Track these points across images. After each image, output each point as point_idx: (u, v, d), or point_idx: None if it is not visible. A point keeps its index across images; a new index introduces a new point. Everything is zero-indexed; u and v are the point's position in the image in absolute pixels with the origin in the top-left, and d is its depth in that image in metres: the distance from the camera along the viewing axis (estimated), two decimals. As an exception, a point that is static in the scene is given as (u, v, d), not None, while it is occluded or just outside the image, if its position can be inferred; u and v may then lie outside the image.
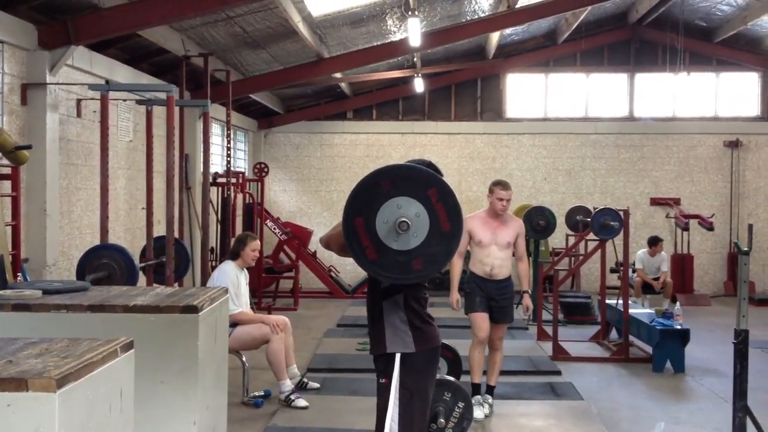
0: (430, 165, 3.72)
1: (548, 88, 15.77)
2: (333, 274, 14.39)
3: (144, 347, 3.32)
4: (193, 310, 3.96)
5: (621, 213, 9.12)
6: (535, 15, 11.74)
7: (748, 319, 4.97)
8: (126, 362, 2.70)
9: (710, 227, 13.96)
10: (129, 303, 4.00)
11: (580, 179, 15.56)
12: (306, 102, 15.87)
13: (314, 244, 13.42)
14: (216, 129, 12.82)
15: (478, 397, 6.45)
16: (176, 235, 7.95)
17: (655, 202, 15.43)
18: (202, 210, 9.65)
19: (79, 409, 2.30)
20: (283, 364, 6.80)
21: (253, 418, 6.46)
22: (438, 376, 5.80)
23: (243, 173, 12.86)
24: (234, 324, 6.66)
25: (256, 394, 6.96)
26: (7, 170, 6.27)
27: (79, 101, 7.93)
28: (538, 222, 11.66)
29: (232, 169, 11.26)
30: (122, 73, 8.91)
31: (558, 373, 8.09)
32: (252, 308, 7.62)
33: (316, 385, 7.29)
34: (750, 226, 6.65)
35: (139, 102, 8.30)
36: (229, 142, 11.25)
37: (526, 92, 15.83)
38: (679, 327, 8.34)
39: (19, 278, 6.05)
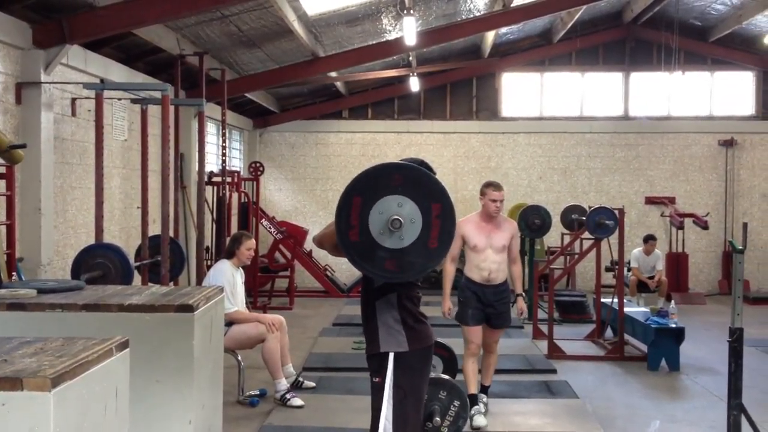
0: (423, 164, 3.73)
1: (543, 87, 15.79)
2: (328, 274, 14.39)
3: (139, 346, 3.32)
4: (188, 309, 3.96)
5: (616, 212, 9.13)
6: (530, 14, 11.75)
7: (743, 318, 4.98)
8: (121, 361, 2.69)
9: (705, 226, 14.00)
10: (124, 302, 3.99)
11: (575, 178, 15.59)
12: (301, 101, 15.86)
13: (310, 244, 13.43)
14: (211, 128, 12.80)
15: (477, 407, 6.28)
16: (171, 234, 7.94)
17: (650, 201, 15.46)
18: (198, 209, 9.63)
19: (74, 408, 2.30)
20: (279, 363, 6.80)
21: (248, 417, 6.46)
22: (433, 375, 5.81)
23: (238, 172, 12.86)
24: (229, 323, 6.66)
25: (252, 393, 6.96)
26: (2, 169, 6.25)
27: (73, 100, 7.91)
28: (533, 221, 11.67)
29: (227, 168, 11.26)
30: (117, 72, 8.90)
31: (553, 371, 8.10)
32: (247, 307, 7.61)
33: (312, 384, 7.29)
34: (745, 225, 6.68)
35: (134, 101, 8.29)
36: (224, 141, 11.24)
37: (522, 91, 15.85)
38: (674, 325, 8.35)
39: (13, 277, 6.04)
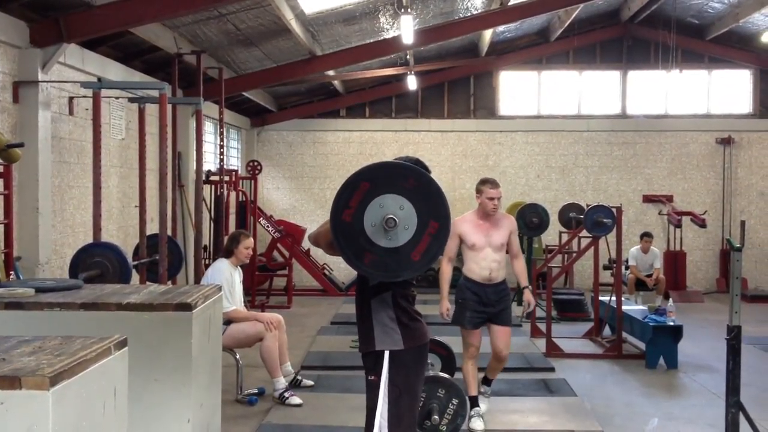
0: (418, 162, 3.74)
1: (541, 85, 15.79)
2: (326, 272, 14.40)
3: (137, 345, 3.32)
4: (186, 307, 3.95)
5: (614, 210, 9.14)
6: (527, 12, 11.74)
7: (741, 316, 4.98)
8: (119, 360, 2.69)
9: (703, 224, 14.01)
10: (122, 301, 3.99)
11: (573, 176, 15.59)
12: (299, 100, 15.85)
13: (308, 242, 13.40)
14: (209, 127, 12.80)
15: (477, 408, 6.15)
16: (169, 233, 7.93)
17: (648, 199, 15.46)
18: (195, 208, 9.63)
19: (73, 407, 2.30)
20: (277, 361, 6.80)
21: (247, 415, 6.46)
22: (432, 373, 5.83)
23: (236, 171, 12.84)
24: (228, 322, 6.66)
25: (250, 391, 6.96)
26: (0, 168, 6.25)
27: (71, 99, 7.90)
28: (531, 219, 11.69)
29: (225, 167, 11.25)
30: (114, 71, 8.89)
31: (551, 369, 8.10)
32: (246, 306, 7.61)
33: (310, 382, 7.29)
34: (742, 223, 6.68)
35: (131, 100, 8.28)
36: (222, 140, 11.23)
37: (519, 90, 15.85)
38: (671, 323, 8.37)
39: (11, 276, 6.04)
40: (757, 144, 15.43)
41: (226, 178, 11.28)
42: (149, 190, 8.28)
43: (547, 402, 6.87)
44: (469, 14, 12.09)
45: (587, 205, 10.12)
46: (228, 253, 7.06)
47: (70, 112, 7.95)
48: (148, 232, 7.85)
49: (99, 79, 7.73)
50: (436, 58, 14.96)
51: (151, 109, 8.68)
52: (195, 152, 10.10)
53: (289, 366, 7.22)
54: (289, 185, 15.89)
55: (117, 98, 8.77)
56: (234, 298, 6.89)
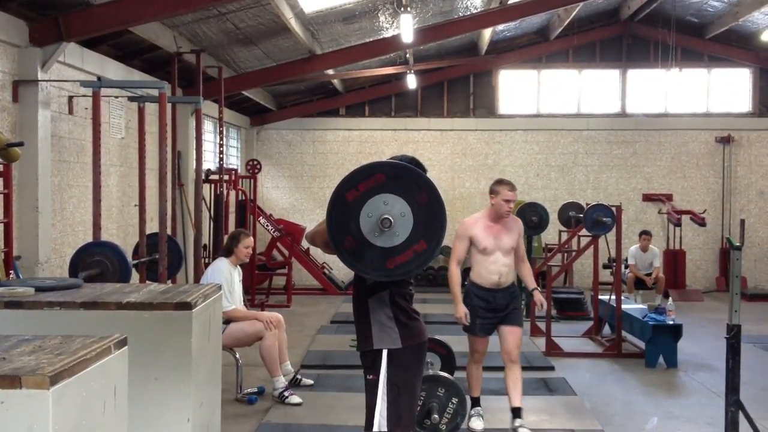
0: (413, 161, 3.74)
1: (540, 84, 15.79)
2: (326, 271, 14.40)
3: (137, 344, 3.32)
4: (186, 306, 3.96)
5: (613, 209, 9.14)
6: (527, 11, 11.73)
7: (740, 315, 4.98)
8: (119, 359, 2.69)
9: (702, 223, 14.02)
10: (122, 300, 3.99)
11: (572, 175, 15.59)
12: (298, 99, 15.85)
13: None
14: (208, 126, 12.80)
15: (478, 408, 6.09)
16: (169, 232, 7.93)
17: (648, 198, 15.47)
18: (195, 207, 9.63)
19: (73, 406, 2.30)
20: (277, 360, 6.80)
21: (246, 414, 6.46)
22: (431, 372, 5.83)
23: (236, 170, 12.85)
24: (227, 321, 6.66)
25: (250, 390, 6.96)
26: (-1, 167, 6.25)
27: (70, 98, 7.90)
28: (530, 218, 11.66)
29: (224, 166, 11.25)
30: (114, 70, 8.88)
31: (551, 368, 8.11)
32: (245, 305, 7.61)
33: (310, 381, 7.29)
34: (742, 222, 6.68)
35: (131, 99, 8.27)
36: (221, 139, 11.23)
37: (519, 88, 15.84)
38: (671, 322, 8.37)
39: (11, 276, 6.03)
40: (757, 143, 15.43)
41: (226, 177, 11.28)
42: (149, 189, 8.28)
43: (547, 401, 6.88)
44: (468, 13, 12.08)
45: (587, 204, 10.13)
46: (228, 252, 7.06)
47: (70, 111, 7.94)
48: (148, 231, 7.84)
49: (98, 78, 7.71)
50: (435, 57, 14.96)
51: (151, 108, 8.67)
52: (195, 151, 10.10)
53: (289, 365, 7.22)
54: (289, 184, 15.89)
55: (116, 97, 8.76)
56: (234, 298, 6.89)
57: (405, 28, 9.94)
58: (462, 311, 5.83)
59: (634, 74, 15.68)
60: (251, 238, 7.19)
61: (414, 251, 3.44)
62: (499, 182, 5.94)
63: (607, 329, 9.69)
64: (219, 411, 4.77)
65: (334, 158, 15.69)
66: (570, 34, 14.68)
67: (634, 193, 15.50)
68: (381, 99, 15.84)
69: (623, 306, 9.07)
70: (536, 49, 15.51)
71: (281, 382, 6.77)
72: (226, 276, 6.80)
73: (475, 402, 6.12)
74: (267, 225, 13.47)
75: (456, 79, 15.72)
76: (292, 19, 9.54)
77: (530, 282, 6.22)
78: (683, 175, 15.51)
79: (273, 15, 9.30)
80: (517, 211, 11.61)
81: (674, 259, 14.14)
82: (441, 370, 6.35)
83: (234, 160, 14.85)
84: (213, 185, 11.23)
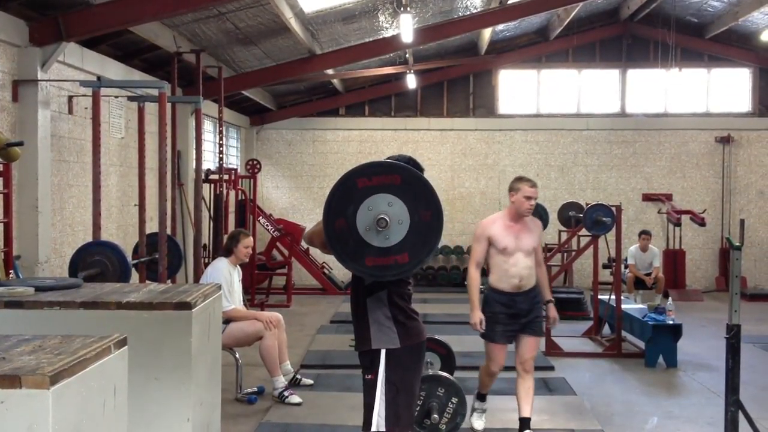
0: (410, 161, 3.74)
1: (540, 84, 15.79)
2: (326, 271, 14.40)
3: (137, 344, 3.32)
4: (186, 306, 3.95)
5: (613, 209, 9.14)
6: (526, 11, 11.74)
7: (740, 314, 4.98)
8: (119, 359, 2.69)
9: (702, 223, 14.01)
10: (122, 300, 3.99)
11: (572, 175, 15.59)
12: (298, 98, 15.85)
13: (307, 241, 13.41)
14: (208, 125, 12.80)
15: (483, 403, 5.95)
16: (169, 231, 7.93)
17: (648, 197, 15.47)
18: (195, 207, 9.63)
19: (73, 405, 2.30)
20: (277, 360, 6.80)
21: (246, 414, 6.46)
22: (431, 372, 5.83)
23: (235, 170, 12.84)
24: (227, 321, 6.66)
25: (250, 390, 6.96)
26: (-1, 167, 6.25)
27: (70, 98, 7.90)
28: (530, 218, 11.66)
29: (224, 165, 11.25)
30: (114, 70, 8.88)
31: (551, 368, 8.10)
32: (245, 305, 7.61)
33: (310, 381, 7.29)
34: (742, 222, 6.68)
35: (130, 98, 8.28)
36: (221, 139, 11.23)
37: (519, 88, 15.85)
38: (671, 322, 8.37)
39: (11, 275, 6.03)
40: (757, 143, 15.43)
41: (226, 177, 11.28)
42: (149, 188, 8.28)
43: (547, 401, 6.87)
44: (468, 13, 12.09)
45: (587, 204, 10.12)
46: (227, 252, 7.05)
47: (70, 111, 7.95)
48: (148, 231, 7.84)
49: (98, 78, 7.71)
50: (435, 57, 14.96)
51: (151, 108, 8.67)
52: (194, 151, 10.10)
53: (289, 365, 7.22)
54: (289, 184, 15.89)
55: (116, 97, 8.76)
56: (233, 297, 6.88)
57: (405, 28, 9.94)
58: (477, 317, 5.55)
59: (634, 74, 15.69)
60: (251, 238, 7.19)
61: (395, 260, 3.46)
62: (519, 179, 5.64)
63: (606, 329, 9.68)
64: (219, 411, 4.77)
65: (333, 158, 15.69)
66: (570, 34, 14.68)
67: (633, 193, 15.50)
68: (381, 99, 15.85)
69: (623, 306, 9.07)
70: (536, 49, 15.51)
71: (281, 381, 6.77)
72: (226, 276, 6.80)
73: (481, 397, 6.02)
74: (267, 225, 13.47)
75: (456, 79, 15.73)
76: (292, 18, 9.54)
77: (546, 291, 5.88)
78: (683, 175, 15.52)
79: (273, 15, 9.30)
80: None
81: (674, 259, 14.15)
82: (441, 369, 6.35)
83: (234, 160, 14.86)
84: (213, 185, 11.23)
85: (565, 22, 13.53)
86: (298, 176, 15.87)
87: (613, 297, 9.18)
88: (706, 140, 15.46)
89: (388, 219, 3.39)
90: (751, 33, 14.45)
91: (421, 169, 3.68)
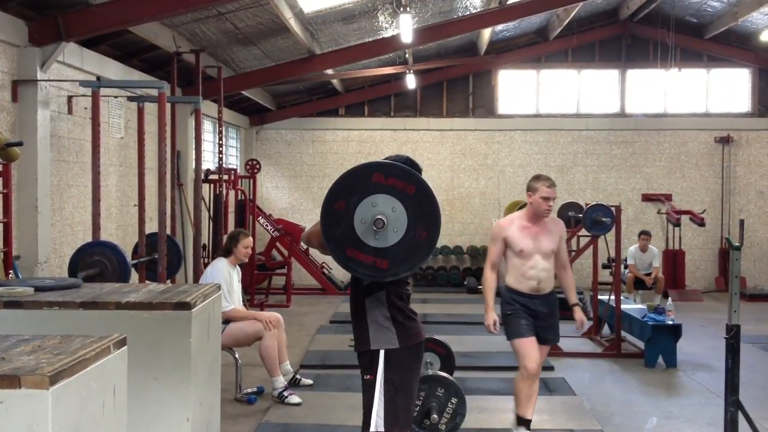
0: (408, 161, 3.74)
1: (540, 84, 15.79)
2: (325, 271, 14.39)
3: (137, 344, 3.32)
4: (185, 306, 3.95)
5: (613, 209, 9.14)
6: (526, 11, 11.74)
7: (740, 315, 4.98)
8: (119, 359, 2.69)
9: (701, 223, 14.01)
10: (121, 300, 3.99)
11: (571, 175, 15.59)
12: (298, 98, 15.85)
13: (306, 241, 13.42)
14: (208, 126, 12.79)
15: (524, 429, 5.46)
16: (168, 231, 7.93)
17: (647, 198, 15.47)
18: (194, 207, 9.63)
19: (72, 405, 2.30)
20: (276, 360, 6.80)
21: (246, 414, 6.46)
22: (431, 372, 5.83)
23: (235, 170, 12.84)
24: (227, 321, 6.66)
25: (249, 390, 6.95)
26: (-2, 167, 6.25)
27: (70, 98, 7.90)
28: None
29: (224, 165, 11.25)
30: (113, 70, 8.88)
31: (550, 368, 8.09)
32: (244, 305, 7.61)
33: (309, 381, 7.29)
34: (741, 222, 6.67)
35: (130, 98, 8.28)
36: (221, 139, 11.23)
37: (518, 88, 15.85)
38: (670, 322, 8.37)
39: (10, 275, 6.03)
40: (756, 143, 15.44)
41: (225, 177, 11.28)
42: (148, 188, 8.28)
43: (546, 401, 6.86)
44: (467, 13, 12.09)
45: (586, 204, 10.12)
46: (227, 252, 7.05)
47: (69, 111, 7.95)
48: (147, 231, 7.84)
49: (98, 78, 7.72)
50: (435, 57, 14.96)
51: (150, 108, 8.67)
52: (194, 151, 10.10)
53: (288, 365, 7.22)
54: (288, 184, 15.89)
55: (116, 97, 8.76)
56: (233, 298, 6.88)
57: (404, 28, 9.95)
58: (491, 318, 5.41)
59: (634, 74, 15.68)
60: (250, 238, 7.18)
61: (374, 262, 3.48)
62: (537, 178, 5.47)
63: (606, 329, 9.68)
64: (218, 411, 4.77)
65: (333, 158, 15.69)
66: (569, 34, 14.68)
67: (633, 193, 15.50)
68: (380, 99, 15.85)
69: (623, 306, 9.07)
70: (535, 49, 15.51)
71: (280, 382, 6.77)
72: (225, 276, 6.80)
73: (524, 423, 5.45)
74: (266, 225, 13.47)
75: (455, 79, 15.73)
76: (292, 18, 9.54)
77: (572, 295, 5.70)
78: (682, 175, 15.52)
79: (272, 15, 9.30)
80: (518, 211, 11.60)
81: (673, 259, 14.15)
82: (440, 370, 6.35)
83: (233, 160, 14.85)
84: (212, 185, 11.23)
85: (565, 23, 13.53)
86: (297, 176, 15.88)
87: (612, 297, 9.18)
88: (705, 140, 15.46)
89: (385, 222, 3.39)
90: (750, 33, 14.45)
91: (420, 170, 3.68)
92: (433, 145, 15.64)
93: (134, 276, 7.36)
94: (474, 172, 15.62)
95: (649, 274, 12.16)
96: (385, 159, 3.78)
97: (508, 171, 15.49)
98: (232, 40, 10.40)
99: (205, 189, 11.06)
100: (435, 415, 5.53)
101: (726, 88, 15.63)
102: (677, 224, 14.27)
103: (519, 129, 15.65)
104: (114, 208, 9.16)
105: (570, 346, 9.06)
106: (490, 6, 11.96)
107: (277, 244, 13.54)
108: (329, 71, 12.90)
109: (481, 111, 15.79)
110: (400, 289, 3.80)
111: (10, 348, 2.50)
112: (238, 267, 7.14)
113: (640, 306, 9.67)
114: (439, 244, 14.13)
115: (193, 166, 10.26)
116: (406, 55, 13.30)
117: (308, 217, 15.33)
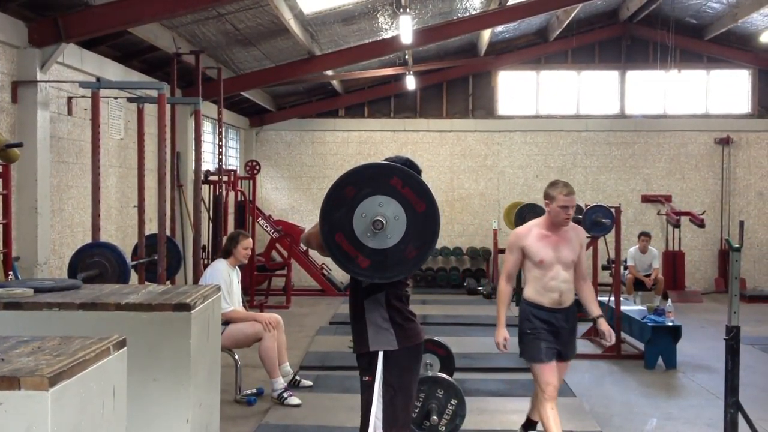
0: (407, 162, 3.73)
1: (540, 85, 15.80)
2: (325, 272, 14.39)
3: (136, 345, 3.32)
4: (185, 308, 3.95)
5: (612, 210, 9.14)
6: (526, 12, 11.74)
7: (740, 316, 4.99)
8: (118, 360, 2.69)
9: (701, 224, 14.01)
10: (121, 301, 3.99)
11: (571, 176, 15.56)
12: (298, 99, 15.85)
13: (306, 242, 13.42)
14: (207, 127, 12.80)
15: None
16: (168, 233, 7.93)
17: (647, 199, 15.47)
18: (194, 208, 9.63)
19: (72, 407, 2.30)
20: (276, 361, 6.80)
21: (245, 415, 6.45)
22: (431, 373, 5.83)
23: (235, 171, 12.84)
24: (226, 322, 6.65)
25: (249, 391, 6.95)
26: (-2, 168, 6.25)
27: (69, 99, 7.90)
28: (529, 219, 11.66)
29: (223, 166, 11.24)
30: (113, 71, 8.88)
31: (550, 369, 8.09)
32: (244, 306, 7.61)
33: (309, 382, 7.29)
34: (741, 223, 6.67)
35: (130, 99, 8.28)
36: (220, 140, 11.22)
37: (518, 89, 15.85)
38: (670, 324, 8.37)
39: (10, 276, 6.03)
40: (756, 144, 15.44)
41: (225, 178, 11.28)
42: (148, 190, 8.28)
43: (546, 402, 6.86)
44: (467, 14, 12.09)
45: (586, 205, 10.10)
46: (226, 254, 7.05)
47: (69, 112, 7.95)
48: (147, 232, 7.84)
49: (98, 79, 7.73)
50: (434, 58, 14.96)
51: (150, 109, 8.67)
52: (194, 152, 10.10)
53: (288, 366, 7.22)
54: (288, 185, 15.89)
55: (116, 98, 8.76)
56: (232, 299, 6.88)
57: (404, 29, 9.95)
58: (502, 336, 5.14)
59: (633, 75, 15.69)
60: (250, 239, 7.18)
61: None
62: (554, 185, 5.08)
63: (606, 330, 9.66)
64: (218, 412, 4.76)
65: (333, 159, 15.69)
66: (569, 35, 14.69)
67: (633, 195, 15.50)
68: (380, 100, 15.85)
69: (622, 307, 9.07)
70: (535, 50, 15.51)
71: (280, 383, 6.77)
72: (225, 277, 6.80)
73: None
74: (266, 226, 13.47)
75: (455, 80, 15.73)
76: (292, 20, 9.55)
77: (593, 307, 5.34)
78: (682, 177, 15.52)
79: (272, 16, 9.30)
80: (517, 213, 11.61)
81: (673, 261, 14.15)
82: (440, 371, 6.36)
83: (233, 161, 14.85)
84: (212, 186, 11.23)
85: (565, 24, 13.54)
86: (297, 177, 15.87)
87: (612, 298, 9.18)
88: (705, 141, 15.46)
89: (384, 225, 3.38)
90: (750, 34, 14.45)
91: (419, 171, 3.68)
92: (433, 146, 15.64)
93: (134, 277, 7.36)
94: (474, 173, 15.62)
95: (648, 276, 12.17)
96: (384, 160, 3.78)
97: (507, 172, 15.50)
98: (231, 41, 10.41)
99: (205, 190, 11.06)
100: (435, 417, 5.53)
101: (726, 89, 15.64)
102: (677, 225, 14.26)
103: (519, 130, 15.65)
104: (114, 209, 9.16)
105: (570, 348, 9.06)
106: (490, 7, 11.97)
107: (277, 245, 13.54)
108: (329, 72, 12.91)
109: (480, 112, 15.79)
110: (399, 291, 3.80)
111: (9, 349, 2.50)
112: (237, 268, 7.14)
113: (639, 307, 9.67)
114: (439, 245, 14.13)
115: (193, 167, 10.26)
116: (406, 56, 13.30)
117: (308, 218, 15.33)
